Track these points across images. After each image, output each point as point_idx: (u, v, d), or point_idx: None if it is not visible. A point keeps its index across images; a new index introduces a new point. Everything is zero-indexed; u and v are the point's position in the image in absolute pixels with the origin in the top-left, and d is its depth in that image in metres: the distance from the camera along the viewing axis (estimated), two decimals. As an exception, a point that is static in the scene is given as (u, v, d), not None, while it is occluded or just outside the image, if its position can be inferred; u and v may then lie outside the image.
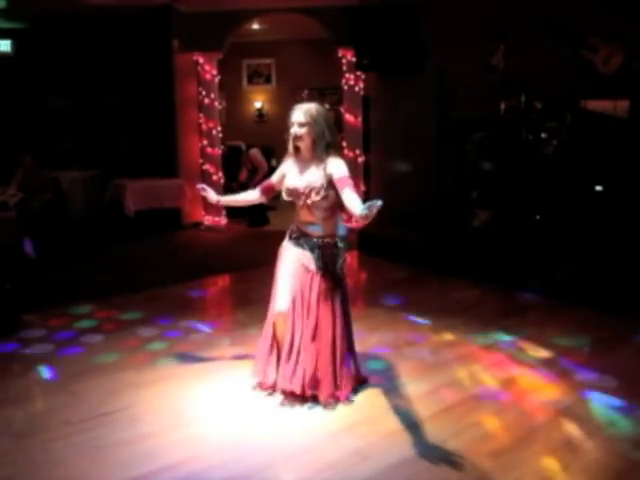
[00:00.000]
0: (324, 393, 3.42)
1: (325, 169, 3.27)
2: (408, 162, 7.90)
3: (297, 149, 3.40)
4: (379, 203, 2.70)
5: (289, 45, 11.70)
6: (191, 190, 9.00)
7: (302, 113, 3.30)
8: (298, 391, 3.41)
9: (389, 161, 8.25)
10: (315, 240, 3.42)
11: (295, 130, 3.32)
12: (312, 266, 3.40)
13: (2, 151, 8.77)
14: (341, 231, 3.47)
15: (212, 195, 3.69)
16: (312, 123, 3.27)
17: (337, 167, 3.25)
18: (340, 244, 3.45)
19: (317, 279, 3.40)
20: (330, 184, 3.26)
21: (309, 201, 3.32)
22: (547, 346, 4.31)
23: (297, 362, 3.41)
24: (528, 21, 6.19)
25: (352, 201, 3.09)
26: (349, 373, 3.54)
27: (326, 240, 3.42)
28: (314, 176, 3.32)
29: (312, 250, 3.41)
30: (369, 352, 4.16)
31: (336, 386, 3.44)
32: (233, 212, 9.31)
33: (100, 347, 4.46)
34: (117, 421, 3.35)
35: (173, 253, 7.76)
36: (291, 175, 3.44)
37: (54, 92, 9.88)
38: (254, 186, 3.80)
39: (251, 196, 3.72)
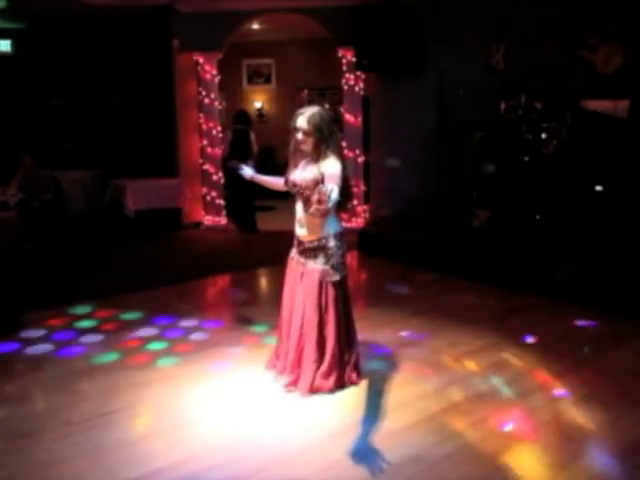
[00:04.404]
0: (288, 382, 3.65)
1: (320, 167, 3.41)
2: (399, 160, 7.93)
3: (300, 150, 3.54)
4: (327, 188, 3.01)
5: (289, 45, 11.70)
6: (191, 190, 9.02)
7: (306, 121, 3.42)
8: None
9: (385, 158, 8.26)
10: (306, 244, 3.57)
11: (300, 137, 3.46)
12: (304, 267, 3.58)
13: (2, 151, 8.78)
14: (332, 229, 3.53)
15: (247, 171, 3.93)
16: (315, 132, 3.40)
17: (329, 166, 3.37)
18: (331, 243, 3.52)
19: (302, 277, 3.58)
20: (322, 181, 3.36)
21: (305, 193, 3.46)
22: (547, 346, 4.31)
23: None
24: (528, 21, 6.19)
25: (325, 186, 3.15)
26: (315, 368, 3.57)
27: (315, 243, 3.54)
28: (311, 172, 3.47)
29: (304, 254, 3.58)
30: (369, 352, 4.16)
31: (297, 377, 3.62)
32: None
33: (100, 347, 4.46)
34: (117, 421, 3.36)
35: (173, 253, 7.76)
36: (296, 170, 3.59)
37: (54, 92, 9.89)
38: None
39: (279, 183, 3.80)
